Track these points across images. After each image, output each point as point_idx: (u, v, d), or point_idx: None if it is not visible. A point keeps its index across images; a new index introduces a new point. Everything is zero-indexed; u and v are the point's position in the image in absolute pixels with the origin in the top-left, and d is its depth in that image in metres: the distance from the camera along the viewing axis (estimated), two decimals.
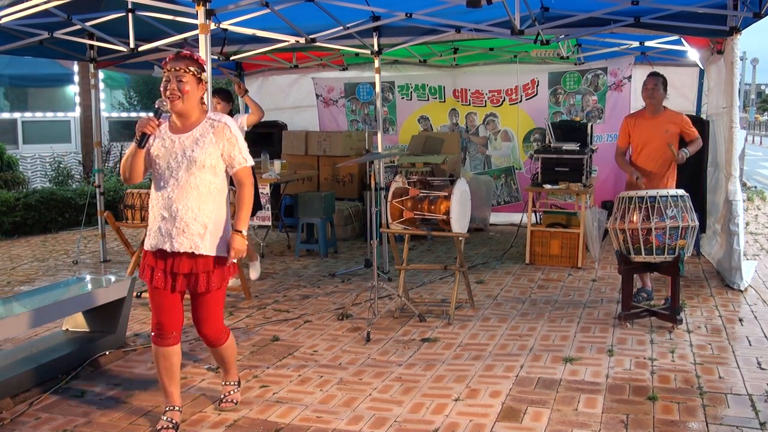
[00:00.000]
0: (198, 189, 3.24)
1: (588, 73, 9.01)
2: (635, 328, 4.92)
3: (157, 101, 3.24)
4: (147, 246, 3.34)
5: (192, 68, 3.23)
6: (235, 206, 3.36)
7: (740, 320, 5.10)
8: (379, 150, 6.98)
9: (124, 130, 14.83)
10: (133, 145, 3.26)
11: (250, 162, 3.37)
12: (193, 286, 3.29)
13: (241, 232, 3.31)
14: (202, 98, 3.34)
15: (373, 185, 5.44)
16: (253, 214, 5.86)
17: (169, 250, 3.25)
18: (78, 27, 6.41)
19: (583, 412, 3.52)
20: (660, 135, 5.37)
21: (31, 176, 13.04)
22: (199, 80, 3.27)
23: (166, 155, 3.26)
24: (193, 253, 3.24)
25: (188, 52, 3.35)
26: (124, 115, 15.68)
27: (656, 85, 5.39)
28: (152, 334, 3.35)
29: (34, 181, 12.86)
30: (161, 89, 3.25)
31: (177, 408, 3.44)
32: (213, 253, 3.28)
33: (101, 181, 7.76)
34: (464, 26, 6.51)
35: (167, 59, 3.29)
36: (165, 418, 3.40)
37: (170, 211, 3.24)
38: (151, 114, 3.24)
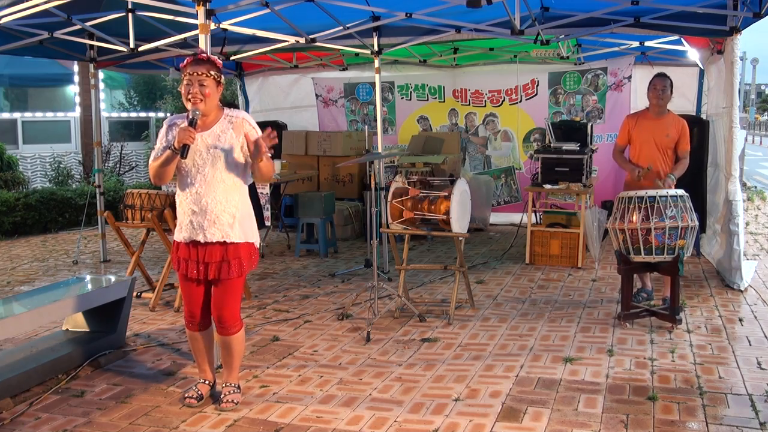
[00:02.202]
0: (224, 182, 3.45)
1: (588, 73, 9.01)
2: (635, 328, 4.92)
3: (189, 111, 3.37)
4: (179, 238, 3.54)
5: (213, 72, 3.39)
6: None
7: (740, 320, 5.10)
8: (379, 150, 6.98)
9: (124, 130, 14.84)
10: (168, 152, 3.39)
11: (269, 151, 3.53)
12: (224, 273, 3.47)
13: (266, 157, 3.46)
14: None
15: (373, 185, 5.44)
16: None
17: (202, 241, 3.47)
18: (78, 27, 6.40)
19: (583, 412, 3.52)
20: (661, 138, 5.34)
21: (31, 176, 13.04)
22: (219, 83, 3.44)
23: (191, 153, 3.43)
24: (224, 241, 3.45)
25: (206, 54, 3.47)
26: (124, 115, 15.67)
27: (665, 86, 5.36)
28: (185, 319, 3.70)
29: (34, 181, 12.86)
30: (183, 92, 3.39)
31: (207, 382, 3.78)
32: (243, 240, 3.51)
33: (101, 181, 7.76)
34: (464, 26, 6.50)
35: (186, 62, 3.40)
36: (194, 387, 3.74)
37: (200, 206, 3.44)
38: (186, 124, 3.36)
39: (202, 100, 3.35)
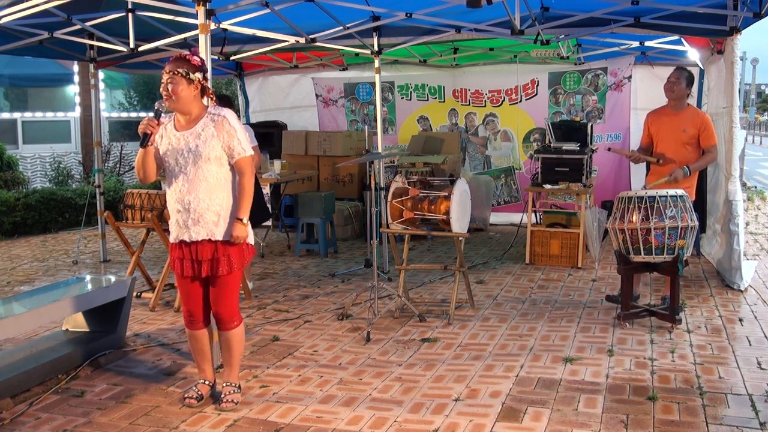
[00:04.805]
0: (207, 181, 3.45)
1: (588, 73, 9.01)
2: (635, 328, 4.92)
3: (156, 103, 3.45)
4: (171, 239, 3.58)
5: (181, 70, 3.40)
6: (237, 195, 3.53)
7: (740, 320, 5.10)
8: (379, 150, 6.98)
9: (124, 130, 14.84)
10: (141, 148, 3.47)
11: (250, 152, 3.53)
12: (216, 269, 3.49)
13: (241, 219, 3.50)
14: (200, 95, 3.50)
15: (373, 185, 5.44)
16: (260, 222, 5.87)
17: (188, 240, 3.49)
18: (78, 27, 6.40)
19: (583, 412, 3.52)
20: (677, 134, 5.19)
21: (31, 176, 13.04)
22: (190, 80, 3.43)
23: (174, 152, 3.46)
24: (210, 239, 3.47)
25: (184, 54, 3.50)
26: (124, 115, 15.67)
27: (678, 79, 5.19)
28: (184, 319, 3.70)
29: (34, 181, 12.85)
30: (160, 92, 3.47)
31: (207, 382, 3.78)
32: (230, 238, 3.50)
33: (101, 181, 7.76)
34: (464, 26, 6.50)
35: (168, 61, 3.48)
36: (194, 388, 3.75)
37: (183, 204, 3.46)
38: (151, 115, 3.44)
39: (171, 99, 3.40)
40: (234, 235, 3.48)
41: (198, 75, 3.44)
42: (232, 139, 3.45)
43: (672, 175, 5.15)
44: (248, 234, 3.55)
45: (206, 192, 3.44)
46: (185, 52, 3.53)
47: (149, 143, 3.43)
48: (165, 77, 3.40)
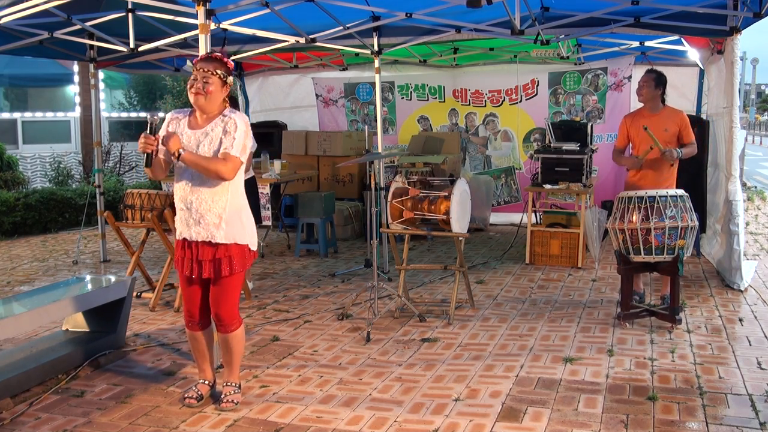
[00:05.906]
0: (210, 181, 3.42)
1: (588, 73, 9.01)
2: (635, 328, 4.92)
3: (148, 116, 3.41)
4: (177, 235, 3.58)
5: (219, 71, 3.41)
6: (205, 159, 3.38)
7: (740, 320, 5.10)
8: (379, 150, 6.98)
9: (124, 130, 14.85)
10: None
11: (235, 153, 3.38)
12: (218, 271, 3.48)
13: (183, 149, 3.33)
14: (225, 98, 3.50)
15: (373, 185, 5.44)
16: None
17: (189, 238, 3.50)
18: (78, 27, 6.41)
19: (583, 412, 3.52)
20: (659, 133, 5.20)
21: (31, 176, 13.04)
22: (224, 83, 3.44)
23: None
24: (211, 241, 3.46)
25: (219, 55, 3.49)
26: (124, 115, 15.68)
27: (646, 82, 5.23)
28: (185, 319, 3.70)
29: (34, 181, 12.86)
30: (188, 86, 3.43)
31: (207, 382, 3.78)
32: (231, 242, 3.48)
33: (101, 181, 7.76)
34: (464, 26, 6.51)
35: (198, 58, 3.47)
36: (194, 388, 3.75)
37: (186, 203, 3.47)
38: (146, 132, 3.34)
39: (203, 95, 3.37)
40: (165, 139, 3.30)
41: (230, 79, 3.47)
42: (225, 136, 3.39)
43: (668, 150, 5.09)
44: (174, 149, 3.32)
45: (209, 193, 3.43)
46: (217, 53, 3.50)
47: (153, 160, 3.37)
48: (200, 74, 3.36)
